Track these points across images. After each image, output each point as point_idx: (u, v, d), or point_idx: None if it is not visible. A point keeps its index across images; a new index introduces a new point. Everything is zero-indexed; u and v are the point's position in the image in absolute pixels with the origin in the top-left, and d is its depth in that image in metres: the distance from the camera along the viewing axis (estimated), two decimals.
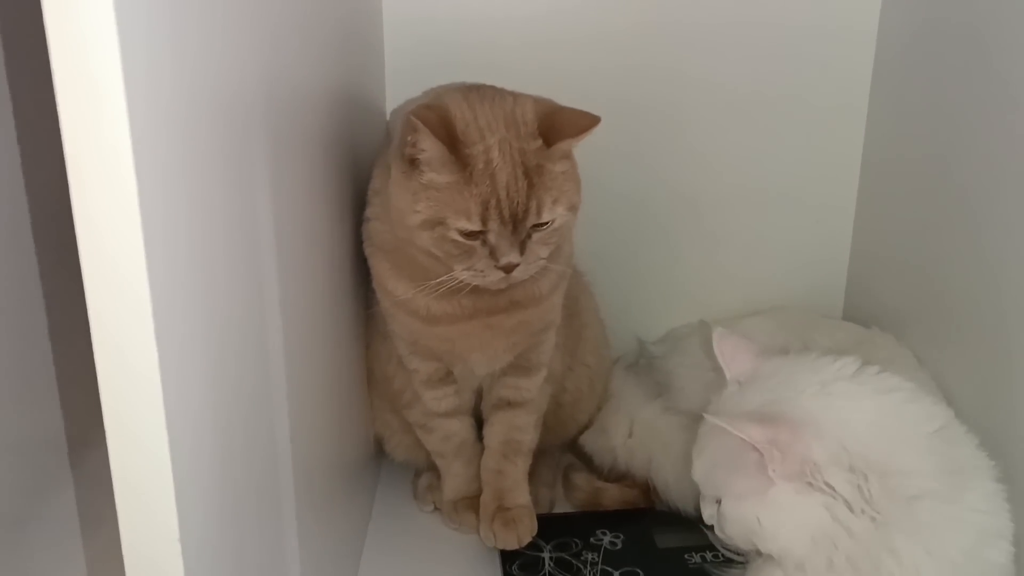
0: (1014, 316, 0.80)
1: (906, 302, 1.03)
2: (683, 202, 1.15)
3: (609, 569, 0.87)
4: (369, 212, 0.85)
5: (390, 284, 0.84)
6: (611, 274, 1.11)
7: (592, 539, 0.91)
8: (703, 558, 0.88)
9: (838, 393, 0.72)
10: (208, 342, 0.48)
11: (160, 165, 0.42)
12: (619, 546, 0.90)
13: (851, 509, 0.68)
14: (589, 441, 1.04)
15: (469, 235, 0.75)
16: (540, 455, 1.02)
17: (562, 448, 1.07)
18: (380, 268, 0.85)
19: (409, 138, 0.74)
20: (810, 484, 0.69)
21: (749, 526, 0.72)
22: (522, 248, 0.76)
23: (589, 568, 0.87)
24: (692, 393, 1.02)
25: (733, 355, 0.80)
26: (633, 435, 1.02)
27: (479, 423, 0.96)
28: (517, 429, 0.93)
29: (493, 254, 0.75)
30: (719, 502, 0.75)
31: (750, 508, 0.72)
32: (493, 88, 0.80)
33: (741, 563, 0.81)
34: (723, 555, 0.87)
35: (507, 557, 0.89)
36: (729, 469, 0.73)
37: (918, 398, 0.74)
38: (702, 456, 0.77)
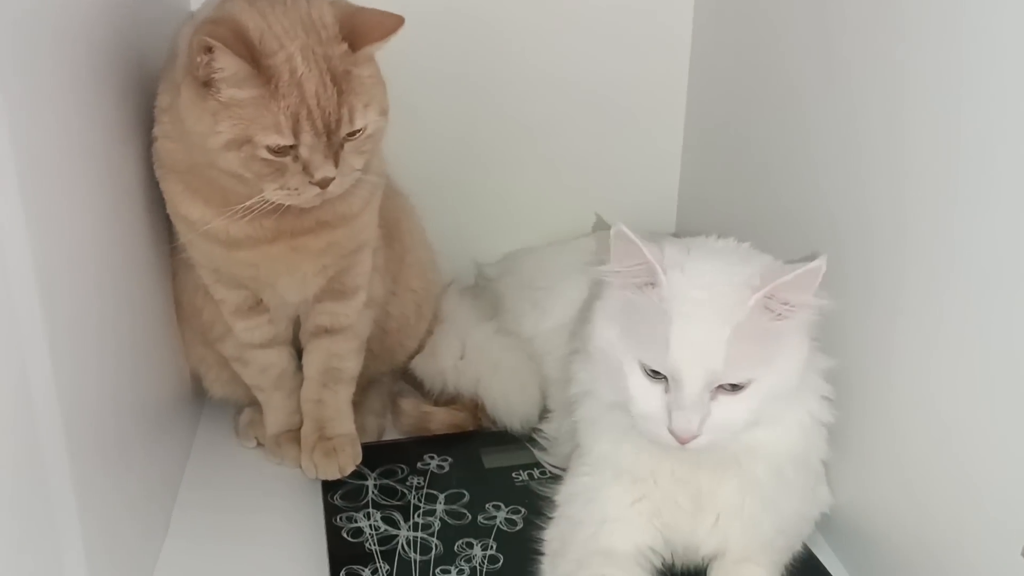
0: (843, 226, 0.81)
1: (735, 215, 1.05)
2: (513, 123, 1.13)
3: (435, 492, 0.86)
4: (157, 131, 0.79)
5: (184, 208, 0.78)
6: (444, 197, 1.08)
7: (419, 464, 0.90)
8: (530, 476, 0.88)
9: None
10: None
11: None
12: (446, 469, 0.89)
13: None
14: (419, 366, 1.02)
15: (279, 151, 0.71)
16: (370, 383, 0.99)
17: (394, 376, 1.04)
18: (173, 191, 0.79)
19: (200, 58, 0.69)
20: None
21: None
22: (336, 160, 0.72)
23: (414, 492, 0.86)
24: (520, 313, 1.01)
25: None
26: (464, 357, 1.01)
27: (300, 353, 0.93)
28: (336, 356, 0.89)
29: (307, 169, 0.72)
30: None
31: None
32: None
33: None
34: (549, 472, 0.88)
35: (329, 487, 0.86)
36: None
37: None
38: None
